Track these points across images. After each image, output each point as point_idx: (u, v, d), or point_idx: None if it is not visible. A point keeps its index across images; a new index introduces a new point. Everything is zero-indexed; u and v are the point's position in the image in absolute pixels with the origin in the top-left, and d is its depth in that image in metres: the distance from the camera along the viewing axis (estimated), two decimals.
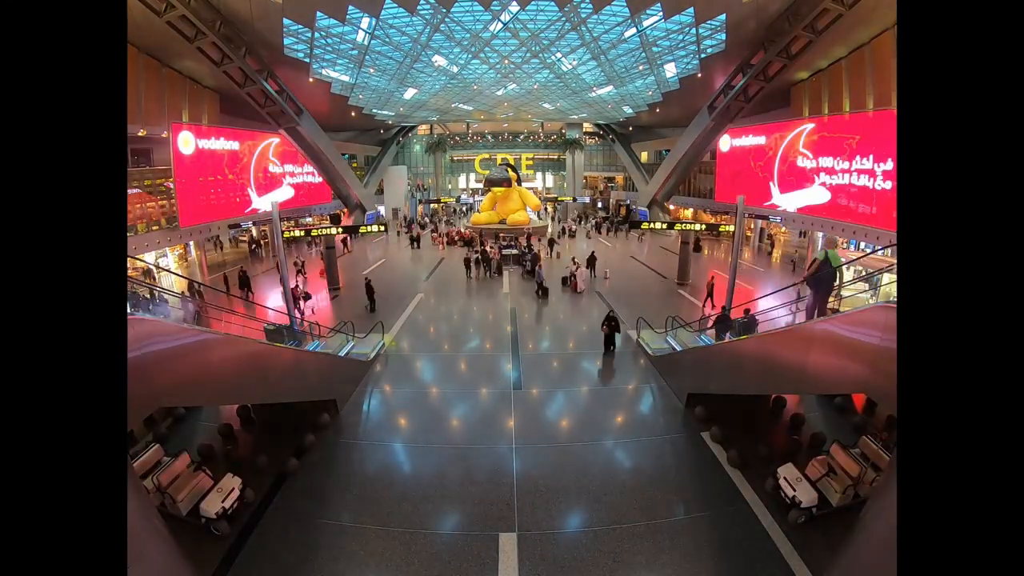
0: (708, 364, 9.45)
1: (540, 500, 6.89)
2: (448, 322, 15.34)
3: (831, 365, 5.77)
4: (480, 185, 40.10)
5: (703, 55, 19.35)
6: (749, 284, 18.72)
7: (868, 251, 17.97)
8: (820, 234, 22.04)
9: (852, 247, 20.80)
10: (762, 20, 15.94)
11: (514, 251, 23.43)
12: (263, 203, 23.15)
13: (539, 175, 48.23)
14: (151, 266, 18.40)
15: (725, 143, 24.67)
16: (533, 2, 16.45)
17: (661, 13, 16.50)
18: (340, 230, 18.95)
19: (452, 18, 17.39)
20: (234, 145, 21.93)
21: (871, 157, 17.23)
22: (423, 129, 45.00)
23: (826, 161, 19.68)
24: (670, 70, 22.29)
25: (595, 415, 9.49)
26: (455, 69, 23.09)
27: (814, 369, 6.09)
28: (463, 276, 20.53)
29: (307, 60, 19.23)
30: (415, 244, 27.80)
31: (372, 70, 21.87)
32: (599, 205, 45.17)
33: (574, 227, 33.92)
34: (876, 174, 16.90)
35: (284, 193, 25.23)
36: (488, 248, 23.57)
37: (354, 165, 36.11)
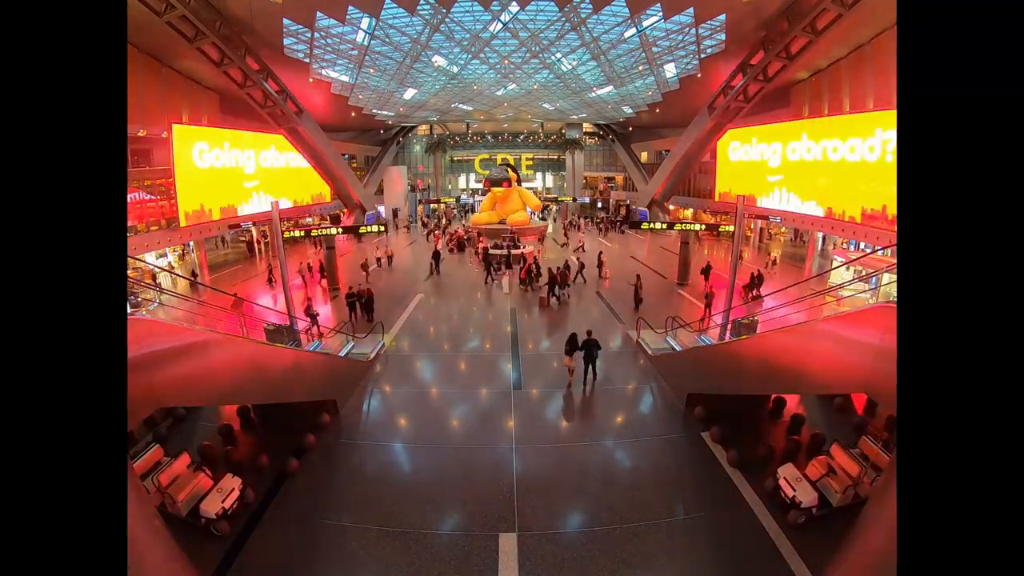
0: (708, 364, 9.45)
1: (540, 500, 6.89)
2: (448, 322, 15.34)
3: (831, 365, 5.77)
4: (480, 185, 40.17)
5: (703, 55, 19.33)
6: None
7: (868, 251, 17.98)
8: (820, 234, 22.08)
9: (852, 247, 20.81)
10: (762, 20, 15.91)
11: (502, 251, 22.75)
12: None
13: (539, 175, 48.18)
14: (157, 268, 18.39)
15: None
16: (533, 2, 16.43)
17: (661, 13, 16.48)
18: (340, 230, 18.94)
19: (452, 18, 17.37)
20: None
21: None
22: (423, 129, 44.96)
23: None
24: (670, 70, 22.28)
25: (595, 415, 9.49)
26: (455, 69, 23.07)
27: (814, 369, 6.10)
28: (463, 276, 20.56)
29: (307, 60, 19.21)
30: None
31: (372, 70, 21.86)
32: (599, 205, 45.18)
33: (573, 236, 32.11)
34: None
35: None
36: (480, 247, 23.60)
37: (354, 165, 36.10)
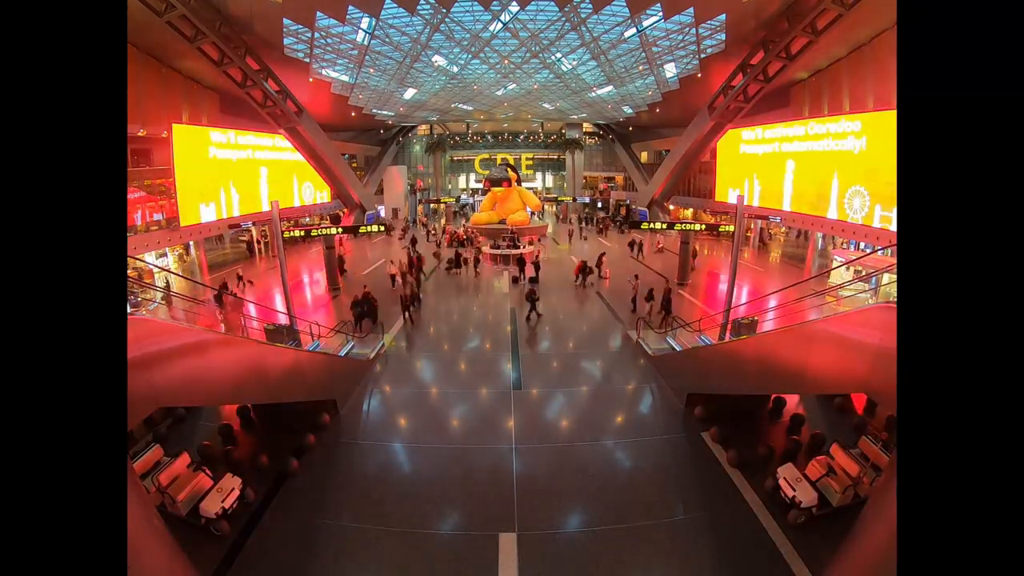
0: (708, 364, 9.44)
1: (540, 500, 6.88)
2: (448, 322, 15.34)
3: (831, 365, 5.77)
4: (480, 185, 40.21)
5: (703, 55, 19.33)
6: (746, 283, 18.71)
7: (868, 251, 17.98)
8: (820, 234, 22.06)
9: (851, 247, 20.81)
10: (762, 20, 15.90)
11: (500, 252, 22.99)
12: None
13: (539, 175, 48.21)
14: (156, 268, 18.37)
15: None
16: (533, 2, 16.43)
17: (661, 13, 16.48)
18: (340, 230, 18.94)
19: (452, 18, 17.37)
20: None
21: None
22: (423, 129, 44.97)
23: None
24: (670, 70, 22.27)
25: (595, 415, 9.48)
26: (455, 69, 23.07)
27: (814, 369, 6.09)
28: (463, 276, 20.58)
29: (307, 60, 19.21)
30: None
31: (372, 70, 21.86)
32: (599, 205, 45.20)
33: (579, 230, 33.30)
34: None
35: None
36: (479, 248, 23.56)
37: (354, 165, 36.11)
